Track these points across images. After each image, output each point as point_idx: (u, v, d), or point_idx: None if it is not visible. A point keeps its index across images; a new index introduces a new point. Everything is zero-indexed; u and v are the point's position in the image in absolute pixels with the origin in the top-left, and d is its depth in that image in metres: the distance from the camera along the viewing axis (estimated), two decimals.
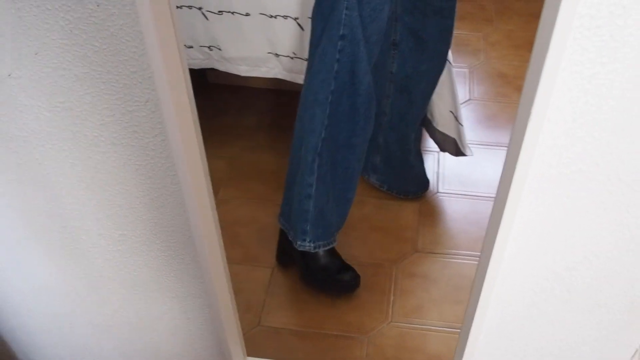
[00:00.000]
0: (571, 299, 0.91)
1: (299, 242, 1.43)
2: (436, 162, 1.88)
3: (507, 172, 0.77)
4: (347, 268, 1.51)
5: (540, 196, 0.78)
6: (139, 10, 0.65)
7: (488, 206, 1.73)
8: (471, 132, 1.97)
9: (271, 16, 1.53)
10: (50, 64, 0.73)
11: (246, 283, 1.55)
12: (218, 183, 1.79)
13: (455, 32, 2.43)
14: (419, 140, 1.76)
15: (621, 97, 0.67)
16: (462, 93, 2.14)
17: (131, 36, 0.70)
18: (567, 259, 0.85)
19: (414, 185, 1.75)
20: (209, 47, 1.65)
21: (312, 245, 1.43)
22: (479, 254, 1.59)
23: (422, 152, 1.86)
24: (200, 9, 1.56)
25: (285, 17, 1.53)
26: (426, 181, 1.77)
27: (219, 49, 1.65)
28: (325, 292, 1.52)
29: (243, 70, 1.68)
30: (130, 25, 0.69)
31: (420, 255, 1.61)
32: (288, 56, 1.61)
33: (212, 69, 1.72)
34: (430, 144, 1.87)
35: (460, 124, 1.62)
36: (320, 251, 1.46)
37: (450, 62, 1.56)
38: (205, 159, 0.84)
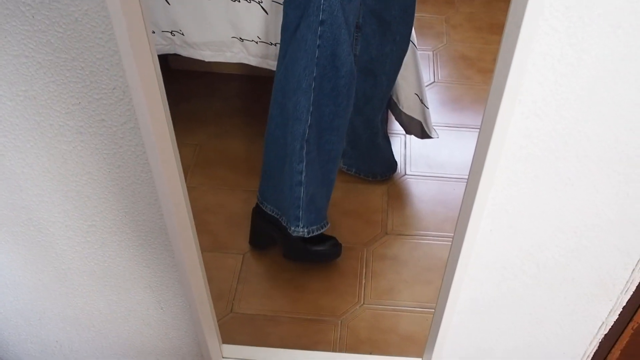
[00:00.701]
0: (540, 275, 0.94)
1: (292, 228, 1.44)
2: (403, 145, 1.89)
3: (479, 152, 0.78)
4: (329, 237, 1.52)
5: (511, 176, 0.79)
6: None
7: (455, 187, 1.75)
8: (436, 115, 1.99)
9: (234, 0, 1.51)
10: (11, 51, 0.71)
11: (216, 271, 1.54)
12: (185, 170, 1.77)
13: (418, 15, 2.45)
14: (385, 122, 1.76)
15: (589, 77, 0.68)
16: (426, 76, 2.15)
17: (97, 21, 0.67)
18: (536, 236, 0.87)
19: (381, 168, 1.76)
20: (171, 32, 1.62)
21: (305, 230, 1.44)
22: (447, 234, 1.62)
23: (389, 134, 1.86)
24: None
25: (248, 0, 1.51)
26: (394, 163, 1.78)
27: (182, 34, 1.62)
28: (309, 263, 1.53)
29: (207, 55, 1.65)
30: (95, 11, 0.67)
31: (390, 238, 1.63)
32: (253, 40, 1.59)
33: (175, 55, 1.69)
34: (396, 127, 1.87)
35: (425, 106, 1.63)
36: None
37: (414, 45, 1.57)
38: (176, 146, 0.82)
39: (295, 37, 1.28)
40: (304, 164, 1.36)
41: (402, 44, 1.52)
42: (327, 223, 1.50)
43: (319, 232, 1.47)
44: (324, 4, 1.23)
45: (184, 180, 0.87)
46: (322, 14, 1.24)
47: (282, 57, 1.34)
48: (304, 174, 1.37)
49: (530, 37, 0.65)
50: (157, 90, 0.75)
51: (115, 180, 0.84)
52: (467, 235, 0.85)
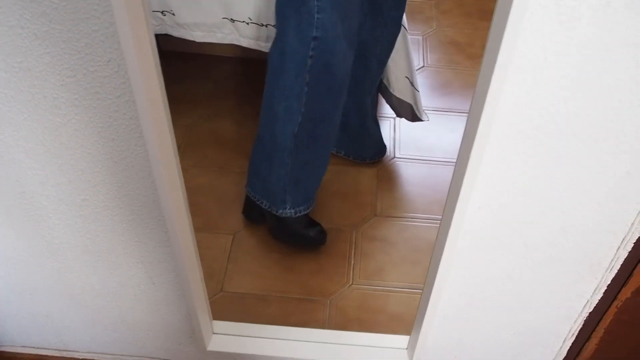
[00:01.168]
0: (528, 253, 0.95)
1: (280, 211, 1.46)
2: (392, 128, 1.90)
3: (469, 129, 0.79)
4: (315, 224, 1.54)
5: (500, 153, 0.80)
6: None
7: (444, 171, 1.77)
8: (426, 99, 2.00)
9: None
10: (6, 22, 0.71)
11: (207, 250, 1.55)
12: None
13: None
14: (375, 106, 1.77)
15: (578, 55, 0.70)
16: (415, 60, 2.16)
17: None
18: (525, 214, 0.89)
19: (371, 151, 1.77)
20: (162, 12, 1.61)
21: (292, 211, 1.46)
22: (435, 216, 1.64)
23: (379, 118, 1.88)
24: None
25: None
26: (383, 146, 1.79)
27: (173, 14, 1.61)
28: (293, 246, 1.55)
29: (198, 36, 1.65)
30: None
31: (379, 219, 1.64)
32: (244, 22, 1.59)
33: (166, 36, 1.68)
34: (386, 110, 1.89)
35: (416, 89, 1.64)
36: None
37: (405, 29, 1.57)
38: (170, 119, 0.83)
39: (287, 48, 1.27)
40: (294, 156, 1.38)
41: (393, 28, 1.53)
42: (313, 203, 1.52)
43: (306, 212, 1.49)
44: (317, 22, 1.21)
45: (177, 154, 0.87)
46: (315, 31, 1.23)
47: (273, 54, 1.33)
48: (289, 165, 1.39)
49: (521, 14, 0.66)
50: (152, 63, 0.75)
51: (109, 154, 0.84)
52: (456, 212, 0.87)
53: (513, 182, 0.84)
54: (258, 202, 1.51)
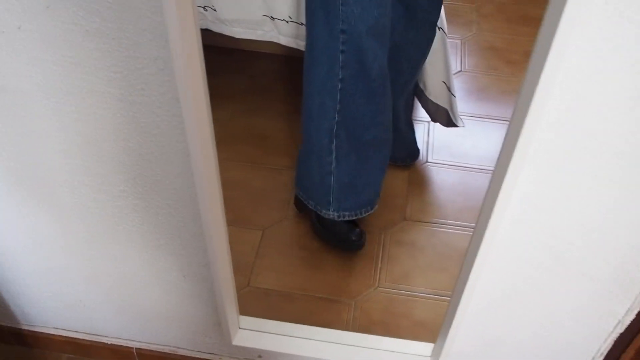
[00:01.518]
0: (559, 270, 0.95)
1: (323, 211, 1.47)
2: (426, 132, 1.89)
3: (508, 142, 0.79)
4: (356, 227, 1.54)
5: (538, 168, 0.80)
6: None
7: (476, 178, 1.76)
8: (462, 104, 1.99)
9: None
10: (61, 18, 0.73)
11: (236, 245, 1.57)
12: None
13: (448, 2, 2.43)
14: (410, 109, 1.77)
15: (624, 74, 0.69)
16: (453, 64, 2.14)
17: None
18: (559, 230, 0.88)
19: (403, 153, 1.77)
20: (203, 8, 1.63)
21: (335, 214, 1.47)
22: (465, 224, 1.64)
23: (414, 121, 1.87)
24: None
25: None
26: (416, 150, 1.79)
27: (214, 10, 1.63)
28: (329, 244, 1.57)
29: (238, 32, 1.67)
30: None
31: (408, 223, 1.64)
32: (284, 20, 1.60)
33: (205, 30, 1.70)
34: (421, 114, 1.88)
35: (452, 94, 1.64)
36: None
37: (445, 32, 1.57)
38: (211, 118, 0.84)
39: (319, 42, 1.27)
40: (334, 156, 1.38)
41: (428, 32, 1.52)
42: (365, 212, 1.50)
43: (352, 218, 1.49)
44: (342, 14, 1.22)
45: (216, 152, 0.89)
46: (342, 24, 1.23)
47: (307, 50, 1.34)
48: (333, 165, 1.39)
49: (570, 31, 0.65)
50: (198, 62, 0.76)
51: (150, 148, 0.86)
52: (490, 225, 0.86)
53: (549, 197, 0.84)
54: (304, 201, 1.52)
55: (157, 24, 0.72)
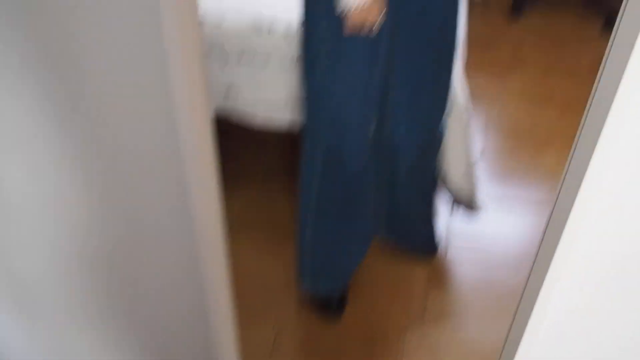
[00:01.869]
0: None
1: (303, 283, 1.54)
2: (448, 216, 1.83)
3: (547, 247, 0.73)
4: (343, 299, 1.57)
5: (578, 282, 0.73)
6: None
7: (499, 264, 1.67)
8: (484, 186, 1.93)
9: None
10: None
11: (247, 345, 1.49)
12: None
13: (472, 79, 2.41)
14: (427, 203, 1.67)
15: None
16: (475, 144, 2.09)
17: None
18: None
19: (419, 246, 1.71)
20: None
21: (309, 287, 1.54)
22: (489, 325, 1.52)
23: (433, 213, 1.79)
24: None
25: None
26: (433, 245, 1.71)
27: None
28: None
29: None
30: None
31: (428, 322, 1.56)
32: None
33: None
34: (442, 197, 1.82)
35: (474, 178, 1.59)
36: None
37: (469, 113, 1.53)
38: (223, 210, 0.80)
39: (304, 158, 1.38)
40: (311, 232, 1.44)
41: (423, 135, 1.48)
42: (338, 291, 1.56)
43: (329, 294, 1.55)
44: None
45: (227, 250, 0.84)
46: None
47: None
48: (308, 240, 1.46)
49: (617, 132, 0.60)
50: (209, 162, 0.72)
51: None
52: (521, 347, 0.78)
53: (583, 315, 0.76)
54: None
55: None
